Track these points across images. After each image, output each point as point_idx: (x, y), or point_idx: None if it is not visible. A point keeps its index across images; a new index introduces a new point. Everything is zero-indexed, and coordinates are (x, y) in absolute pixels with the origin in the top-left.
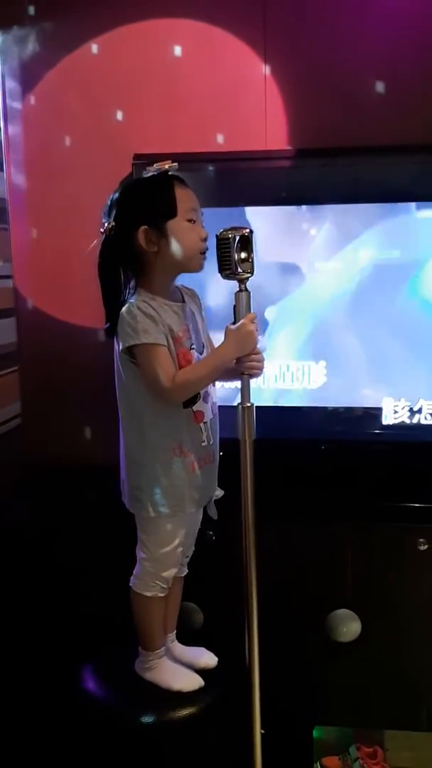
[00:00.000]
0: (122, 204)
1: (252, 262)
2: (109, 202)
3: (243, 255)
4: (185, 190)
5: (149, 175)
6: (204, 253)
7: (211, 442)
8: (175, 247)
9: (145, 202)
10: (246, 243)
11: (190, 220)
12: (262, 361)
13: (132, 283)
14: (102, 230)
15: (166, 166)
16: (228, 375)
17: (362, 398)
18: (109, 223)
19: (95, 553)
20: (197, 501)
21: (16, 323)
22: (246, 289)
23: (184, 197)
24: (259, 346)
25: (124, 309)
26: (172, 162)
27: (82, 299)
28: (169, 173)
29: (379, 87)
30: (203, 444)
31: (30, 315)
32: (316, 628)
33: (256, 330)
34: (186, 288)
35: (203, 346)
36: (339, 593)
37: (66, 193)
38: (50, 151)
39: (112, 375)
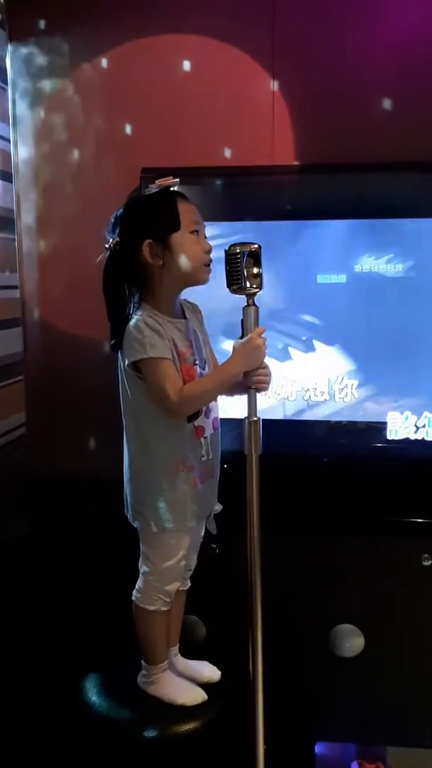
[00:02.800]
0: (126, 220)
1: (260, 277)
2: (112, 219)
3: (252, 270)
4: (187, 204)
5: (151, 192)
6: (208, 265)
7: (210, 457)
8: (181, 259)
9: (148, 216)
10: (254, 258)
11: (194, 232)
12: (269, 375)
13: (136, 299)
14: (107, 246)
15: (168, 182)
16: (235, 389)
17: (366, 412)
18: (113, 239)
19: (97, 565)
20: (198, 515)
21: (23, 333)
22: (254, 304)
23: (186, 211)
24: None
25: (130, 324)
26: (174, 178)
27: (89, 310)
28: (171, 189)
29: (386, 103)
30: (203, 459)
31: (36, 325)
32: (319, 643)
33: (264, 344)
34: (188, 302)
35: (205, 362)
36: (342, 608)
37: (74, 205)
38: (59, 164)
39: (117, 386)
